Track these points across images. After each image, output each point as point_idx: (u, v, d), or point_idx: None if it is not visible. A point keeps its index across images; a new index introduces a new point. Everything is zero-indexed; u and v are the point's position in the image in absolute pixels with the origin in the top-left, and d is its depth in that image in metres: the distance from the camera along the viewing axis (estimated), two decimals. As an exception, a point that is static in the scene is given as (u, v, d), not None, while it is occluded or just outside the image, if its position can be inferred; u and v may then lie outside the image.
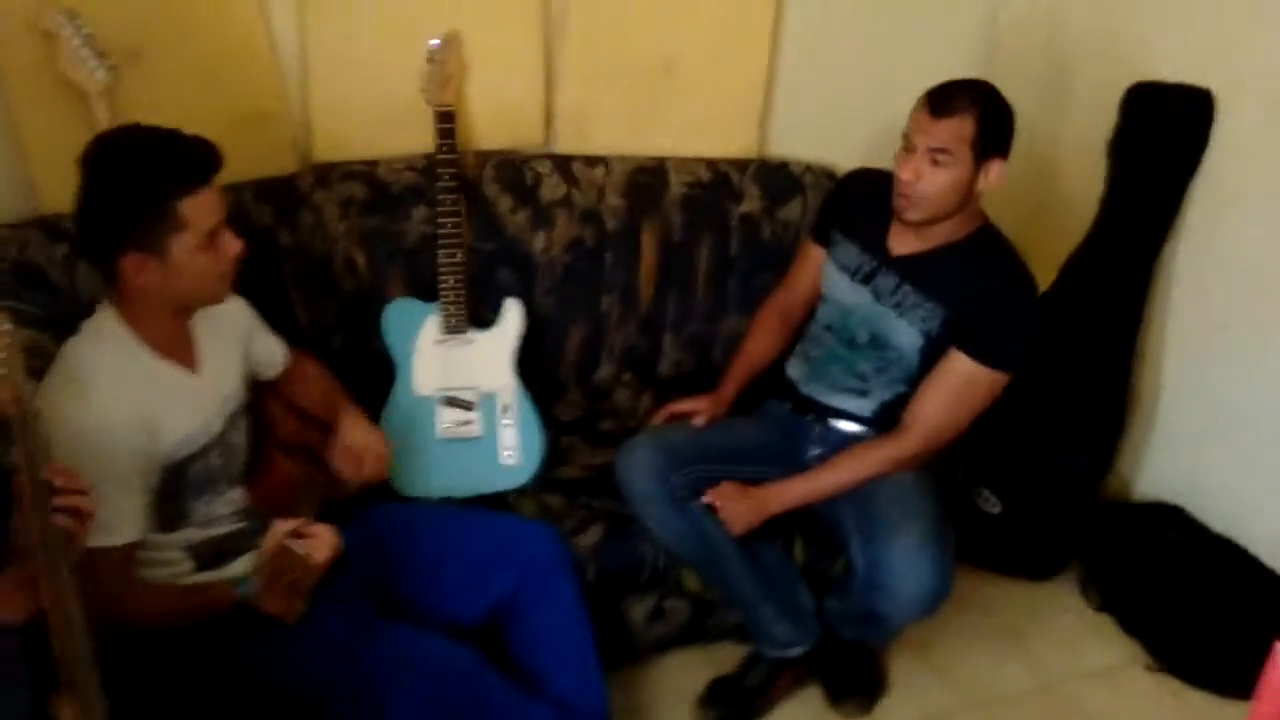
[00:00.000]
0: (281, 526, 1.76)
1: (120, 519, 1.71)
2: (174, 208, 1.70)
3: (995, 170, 2.13)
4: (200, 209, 1.73)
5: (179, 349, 1.86)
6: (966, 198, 2.16)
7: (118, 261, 1.72)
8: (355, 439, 2.14)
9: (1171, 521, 2.86)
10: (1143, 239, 2.82)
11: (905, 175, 2.14)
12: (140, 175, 1.70)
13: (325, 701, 1.81)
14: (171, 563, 1.86)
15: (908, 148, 2.16)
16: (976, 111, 2.09)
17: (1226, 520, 2.76)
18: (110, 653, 1.40)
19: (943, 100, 2.11)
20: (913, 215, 2.17)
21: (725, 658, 2.53)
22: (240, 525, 1.95)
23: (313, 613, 1.84)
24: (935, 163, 2.11)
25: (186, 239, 1.73)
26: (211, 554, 1.90)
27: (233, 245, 1.81)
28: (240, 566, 1.89)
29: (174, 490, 1.84)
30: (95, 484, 1.62)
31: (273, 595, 1.71)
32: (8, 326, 1.41)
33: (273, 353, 2.16)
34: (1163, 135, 2.75)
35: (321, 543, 1.77)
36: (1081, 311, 2.86)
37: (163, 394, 1.79)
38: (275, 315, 2.22)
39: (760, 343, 2.57)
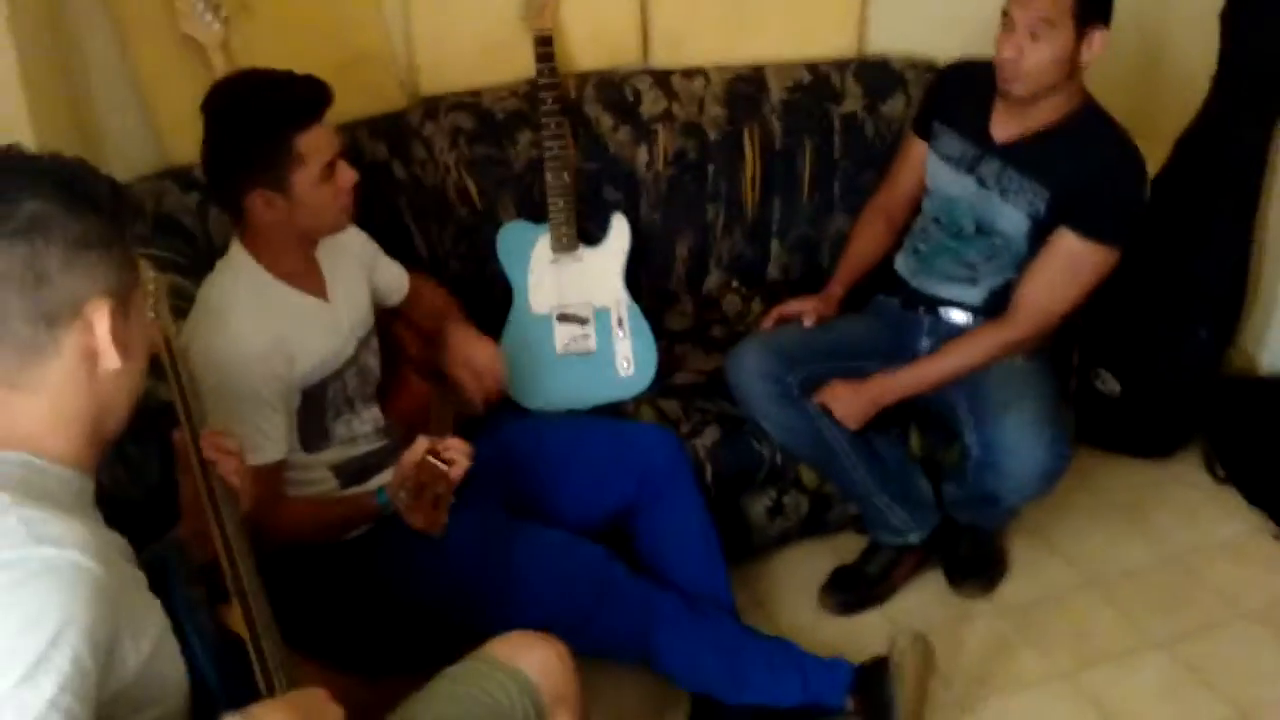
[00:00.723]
0: (420, 445, 1.88)
1: (264, 439, 1.85)
2: (292, 143, 1.81)
3: (1098, 40, 2.11)
4: (316, 143, 1.84)
5: (308, 278, 1.99)
6: (1070, 70, 2.15)
7: (244, 200, 1.84)
8: (466, 356, 2.23)
9: (1297, 394, 2.85)
10: (1258, 112, 2.76)
11: (1007, 53, 2.14)
12: (257, 116, 1.81)
13: (464, 600, 1.96)
14: (317, 482, 2.01)
15: (1008, 25, 2.15)
16: None
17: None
18: (269, 568, 1.53)
19: None
20: (1018, 90, 2.17)
21: (845, 548, 2.60)
22: (379, 444, 2.09)
23: (450, 520, 1.97)
24: (1036, 36, 2.10)
25: (306, 173, 1.84)
26: (354, 471, 2.05)
27: (349, 175, 1.92)
28: (381, 482, 2.02)
29: (315, 412, 1.98)
30: (239, 407, 1.79)
31: (418, 511, 1.82)
32: (152, 274, 1.53)
33: (396, 279, 2.27)
34: (1276, 5, 2.67)
35: (459, 456, 1.88)
36: (1197, 188, 2.81)
37: (297, 321, 1.92)
38: (395, 247, 2.34)
39: (866, 241, 2.60)
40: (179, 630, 1.19)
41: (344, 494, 2.03)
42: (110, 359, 1.15)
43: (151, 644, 1.12)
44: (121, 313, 1.17)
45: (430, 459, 1.83)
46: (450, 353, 2.24)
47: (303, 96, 1.84)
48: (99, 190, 1.16)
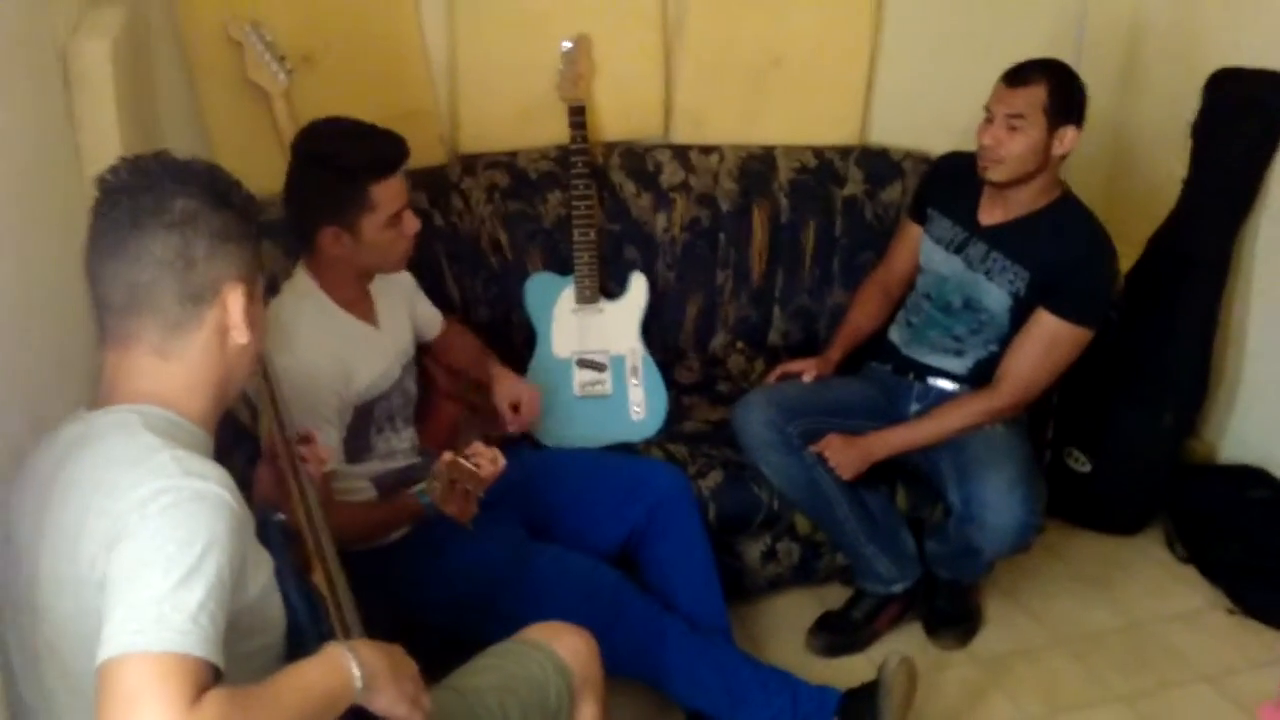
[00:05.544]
0: (446, 457, 2.02)
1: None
2: (368, 191, 2.01)
3: (1069, 136, 2.37)
4: (389, 193, 2.03)
5: (363, 307, 2.17)
6: (1044, 162, 2.40)
7: (316, 233, 2.03)
8: (513, 395, 2.45)
9: (1255, 480, 3.05)
10: (1225, 214, 3.02)
11: (986, 141, 2.40)
12: (340, 163, 2.00)
13: (488, 610, 2.11)
14: (358, 490, 2.17)
15: (989, 118, 2.42)
16: (1047, 81, 2.37)
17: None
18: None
19: (1018, 72, 2.40)
20: (995, 176, 2.42)
21: (833, 596, 2.77)
22: (414, 460, 2.26)
23: (476, 536, 2.13)
24: (1012, 128, 2.36)
25: (376, 218, 2.03)
26: (391, 483, 2.20)
27: (413, 224, 2.12)
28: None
29: (362, 427, 2.15)
30: (301, 420, 1.93)
31: (449, 499, 1.97)
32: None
33: (431, 317, 2.46)
34: (1244, 117, 2.94)
35: (487, 459, 2.04)
36: (1166, 283, 3.04)
37: (354, 344, 2.11)
38: (430, 289, 2.53)
39: (863, 312, 2.82)
40: (278, 578, 1.35)
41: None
42: (240, 334, 1.34)
43: (264, 579, 1.28)
44: (250, 295, 1.35)
45: (461, 460, 1.99)
46: (498, 389, 2.45)
47: (383, 151, 2.04)
48: (234, 191, 1.35)
